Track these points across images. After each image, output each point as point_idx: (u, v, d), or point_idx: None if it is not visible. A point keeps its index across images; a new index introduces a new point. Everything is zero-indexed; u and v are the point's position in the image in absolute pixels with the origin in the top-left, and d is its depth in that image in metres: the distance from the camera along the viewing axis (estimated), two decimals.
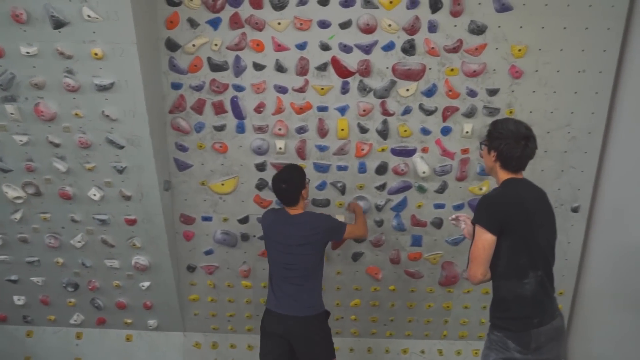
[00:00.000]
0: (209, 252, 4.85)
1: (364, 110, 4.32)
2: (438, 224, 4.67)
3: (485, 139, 3.36)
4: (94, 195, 4.40)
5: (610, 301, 4.46)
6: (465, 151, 4.44)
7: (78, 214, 4.54)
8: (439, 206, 4.62)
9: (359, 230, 4.25)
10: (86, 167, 4.31)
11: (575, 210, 4.60)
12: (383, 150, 4.45)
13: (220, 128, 4.42)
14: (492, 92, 4.26)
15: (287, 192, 3.96)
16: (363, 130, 4.38)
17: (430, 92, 4.27)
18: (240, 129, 4.42)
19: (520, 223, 3.15)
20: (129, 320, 5.08)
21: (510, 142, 3.19)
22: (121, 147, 4.21)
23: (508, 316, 3.26)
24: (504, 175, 3.29)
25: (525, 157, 3.25)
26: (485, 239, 3.14)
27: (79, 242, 4.64)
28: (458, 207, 4.60)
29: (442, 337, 5.12)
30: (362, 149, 4.43)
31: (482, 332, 5.04)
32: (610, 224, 4.46)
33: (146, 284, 4.84)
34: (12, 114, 4.09)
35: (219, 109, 4.36)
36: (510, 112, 4.31)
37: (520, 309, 3.23)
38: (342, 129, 4.39)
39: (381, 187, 4.57)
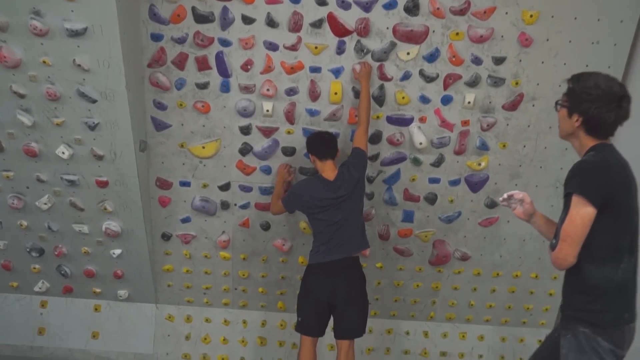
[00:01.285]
0: (185, 220, 4.53)
1: None
2: (432, 199, 4.39)
3: (564, 98, 2.77)
4: (63, 153, 4.04)
5: None
6: (465, 123, 4.15)
7: (44, 173, 4.17)
8: (434, 180, 4.34)
9: (366, 130, 4.03)
10: (54, 122, 3.93)
11: None
12: (378, 117, 4.15)
13: (203, 86, 4.07)
14: (499, 61, 3.97)
15: (331, 141, 4.03)
16: (358, 95, 4.06)
17: (432, 57, 3.96)
18: (225, 87, 4.07)
19: (624, 196, 2.66)
20: (97, 290, 4.76)
21: (602, 105, 2.62)
22: (94, 101, 3.84)
23: (598, 308, 2.69)
24: (589, 142, 2.74)
25: (619, 121, 2.69)
26: (585, 213, 2.58)
27: (45, 204, 4.28)
28: (454, 183, 4.33)
29: (428, 319, 4.88)
30: (356, 116, 4.11)
31: (471, 314, 4.83)
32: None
33: (117, 251, 4.51)
34: None
35: (202, 64, 4.01)
36: (517, 84, 4.03)
37: (612, 300, 2.69)
38: (336, 93, 4.07)
39: (374, 158, 4.28)
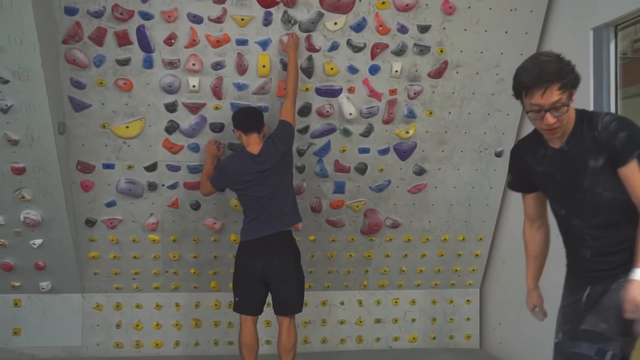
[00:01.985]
0: (111, 204, 4.33)
1: None
2: (362, 169, 4.43)
3: (561, 89, 2.28)
4: None
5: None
6: (393, 92, 4.20)
7: None
8: (363, 150, 4.38)
9: (293, 105, 3.98)
10: None
11: (499, 154, 4.51)
12: (307, 89, 4.12)
13: (124, 62, 3.89)
14: (424, 29, 4.03)
15: (255, 115, 3.98)
16: (286, 67, 4.01)
17: (359, 27, 3.97)
18: (148, 63, 3.91)
19: None
20: (16, 284, 4.48)
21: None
22: (5, 82, 3.59)
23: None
24: (572, 111, 2.41)
25: None
26: None
27: None
28: (383, 152, 4.39)
29: (362, 288, 4.95)
30: (285, 88, 4.06)
31: (402, 280, 4.94)
32: None
33: (38, 241, 4.25)
34: None
35: (122, 39, 3.82)
36: (441, 51, 4.11)
37: None
38: (264, 66, 4.00)
39: (304, 130, 4.25)
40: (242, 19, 3.85)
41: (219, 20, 3.84)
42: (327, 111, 4.19)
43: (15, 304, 4.55)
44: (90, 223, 4.37)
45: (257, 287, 3.93)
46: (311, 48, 3.99)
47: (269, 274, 3.89)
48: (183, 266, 4.63)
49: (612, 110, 3.63)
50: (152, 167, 4.23)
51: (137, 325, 4.70)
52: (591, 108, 3.56)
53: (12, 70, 3.54)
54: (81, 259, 4.47)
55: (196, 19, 3.82)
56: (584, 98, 3.50)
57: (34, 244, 4.26)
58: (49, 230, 4.23)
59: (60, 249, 4.33)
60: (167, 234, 4.49)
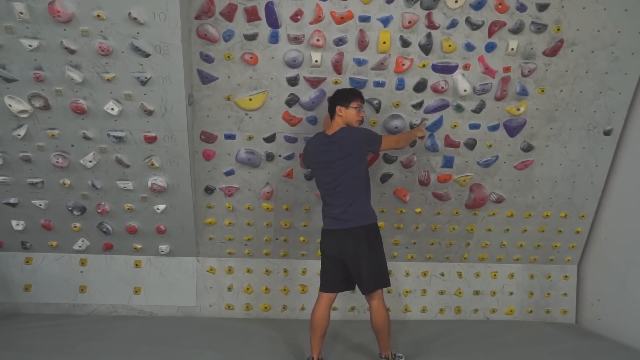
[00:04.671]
0: (229, 173, 4.54)
1: (409, 22, 4.04)
2: (471, 144, 4.52)
3: None
4: (112, 109, 3.98)
5: (629, 226, 4.52)
6: (507, 69, 4.25)
7: (91, 131, 4.11)
8: (474, 126, 4.46)
9: (396, 143, 3.99)
10: (105, 78, 3.87)
11: (607, 133, 4.54)
12: (424, 66, 4.21)
13: (251, 37, 4.05)
14: (542, 7, 4.06)
15: (329, 103, 3.92)
16: (405, 43, 4.12)
17: (479, 5, 4.03)
18: (274, 38, 4.06)
19: None
20: (138, 246, 4.76)
21: None
22: (147, 56, 3.79)
23: None
24: None
25: None
26: None
27: (90, 161, 4.24)
28: (493, 128, 4.46)
29: (462, 260, 5.07)
30: (403, 64, 4.17)
31: (502, 254, 5.04)
32: None
33: (161, 206, 4.51)
34: (21, 13, 3.58)
35: (251, 15, 3.98)
36: (558, 30, 4.14)
37: None
38: (384, 42, 4.10)
39: (418, 106, 4.35)
40: None
41: None
42: (442, 87, 4.28)
43: (136, 265, 4.83)
44: (209, 190, 4.60)
45: (333, 266, 3.91)
46: (431, 25, 4.08)
47: (343, 256, 3.84)
48: (293, 234, 4.83)
49: None
50: (271, 138, 4.41)
51: (247, 289, 4.93)
52: None
53: (154, 45, 3.74)
54: (198, 225, 4.72)
55: None
56: None
57: (158, 209, 4.51)
58: (172, 196, 4.47)
59: (181, 215, 4.58)
60: (280, 203, 4.69)
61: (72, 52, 3.75)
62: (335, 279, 3.90)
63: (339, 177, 3.76)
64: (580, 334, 4.81)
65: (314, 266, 4.91)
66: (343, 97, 3.82)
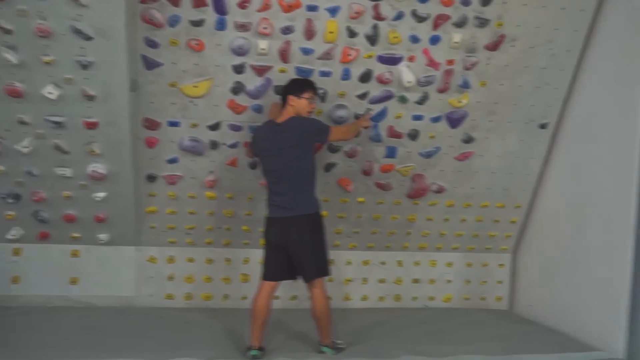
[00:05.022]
0: (172, 161, 4.47)
1: (356, 13, 4.07)
2: (414, 135, 4.60)
3: None
4: (50, 93, 3.86)
5: (561, 216, 4.73)
6: (450, 62, 4.34)
7: (28, 115, 3.97)
8: (417, 117, 4.54)
9: (343, 134, 4.09)
10: (43, 60, 3.74)
11: (543, 126, 4.70)
12: (370, 56, 4.25)
13: (198, 23, 3.98)
14: (486, 2, 4.16)
15: (282, 91, 3.95)
16: (352, 34, 4.14)
17: None
18: (221, 25, 4.01)
19: None
20: (76, 235, 4.62)
21: None
22: (89, 39, 3.67)
23: None
24: None
25: None
26: None
27: (26, 147, 4.09)
28: (436, 120, 4.55)
29: (402, 249, 5.17)
30: (349, 55, 4.20)
31: (441, 243, 5.17)
32: (573, 142, 4.63)
33: (101, 194, 4.40)
34: None
35: (198, 1, 3.91)
36: (499, 25, 4.25)
37: None
38: (331, 32, 4.12)
39: (363, 96, 4.39)
40: None
41: None
42: (387, 78, 4.33)
43: (73, 254, 4.69)
44: (151, 178, 4.51)
45: (276, 255, 3.93)
46: (378, 16, 4.11)
47: (286, 245, 3.86)
48: (236, 223, 4.80)
49: None
50: (215, 126, 4.36)
51: (189, 279, 4.88)
52: None
53: (96, 28, 3.64)
54: (139, 213, 4.62)
55: None
56: None
57: (97, 197, 4.40)
58: (113, 184, 4.36)
59: (122, 203, 4.48)
60: (223, 192, 4.65)
61: (7, 32, 3.61)
62: (277, 267, 3.93)
63: (286, 165, 3.79)
64: (512, 319, 5.01)
65: (257, 255, 4.82)
66: (296, 87, 3.87)
